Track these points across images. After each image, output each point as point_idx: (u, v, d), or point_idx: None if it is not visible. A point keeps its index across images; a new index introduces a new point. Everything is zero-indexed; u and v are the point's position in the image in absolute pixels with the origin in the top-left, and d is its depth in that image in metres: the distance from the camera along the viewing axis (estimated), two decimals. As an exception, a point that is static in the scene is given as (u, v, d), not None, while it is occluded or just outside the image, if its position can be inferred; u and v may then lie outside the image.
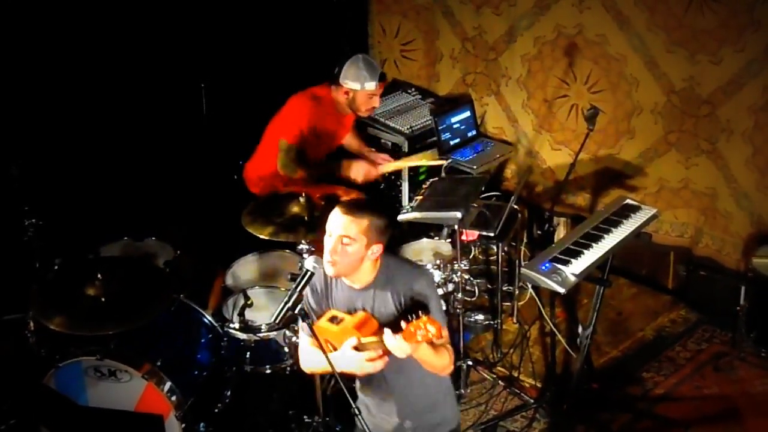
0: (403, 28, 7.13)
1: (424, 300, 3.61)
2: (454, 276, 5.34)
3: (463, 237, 5.53)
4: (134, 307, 4.65)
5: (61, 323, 4.51)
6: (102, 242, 5.47)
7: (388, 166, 5.94)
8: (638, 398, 5.44)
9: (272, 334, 4.97)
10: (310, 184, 5.54)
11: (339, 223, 3.56)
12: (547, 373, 5.65)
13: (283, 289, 5.17)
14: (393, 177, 6.35)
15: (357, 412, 3.66)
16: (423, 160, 6.09)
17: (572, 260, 4.41)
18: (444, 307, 5.42)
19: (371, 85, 5.59)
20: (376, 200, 3.81)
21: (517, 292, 6.07)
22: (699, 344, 5.88)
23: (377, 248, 3.60)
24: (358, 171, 5.68)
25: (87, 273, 4.72)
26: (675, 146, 6.03)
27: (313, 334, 3.59)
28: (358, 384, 3.93)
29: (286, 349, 5.01)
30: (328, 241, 3.59)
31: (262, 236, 4.93)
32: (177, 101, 6.28)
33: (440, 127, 6.41)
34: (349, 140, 6.07)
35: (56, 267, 4.96)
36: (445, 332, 3.61)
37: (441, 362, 3.60)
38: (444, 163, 6.02)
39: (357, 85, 5.59)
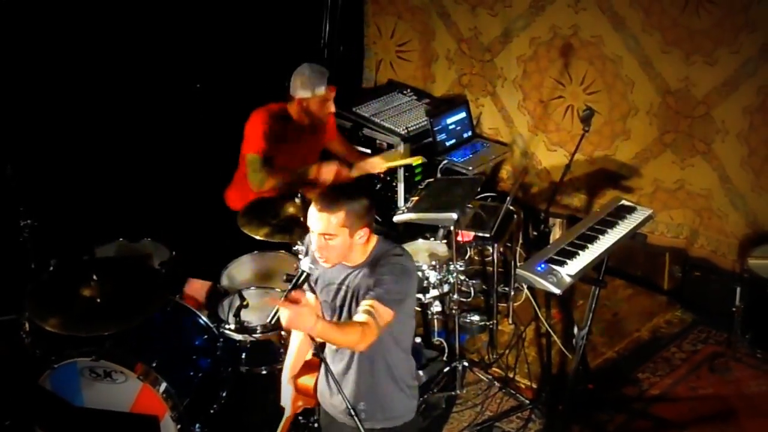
0: (398, 29, 7.13)
1: (376, 282, 3.58)
2: (449, 277, 5.34)
3: (459, 238, 5.53)
4: (130, 307, 4.64)
5: (56, 324, 4.50)
6: (97, 243, 5.47)
7: (363, 166, 5.79)
8: (634, 399, 5.44)
9: (268, 335, 4.97)
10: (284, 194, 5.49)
11: (317, 221, 3.56)
12: (542, 373, 5.65)
13: (278, 290, 5.16)
14: (388, 178, 6.36)
15: (353, 413, 3.67)
16: (397, 158, 6.02)
17: (568, 261, 4.41)
18: (439, 307, 5.51)
19: (321, 89, 5.48)
20: (351, 185, 3.76)
21: (512, 293, 6.07)
22: (694, 345, 5.89)
23: (363, 232, 3.59)
24: (328, 172, 5.57)
25: (82, 274, 4.71)
26: (670, 147, 6.04)
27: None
28: (326, 354, 3.92)
29: (282, 350, 5.01)
30: (313, 239, 3.61)
31: (257, 237, 4.93)
32: (172, 102, 6.28)
33: (436, 128, 6.42)
34: (336, 147, 5.98)
35: (51, 268, 4.95)
36: (377, 314, 3.52)
37: (344, 340, 3.53)
38: (420, 160, 5.94)
39: (308, 92, 5.49)
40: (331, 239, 3.55)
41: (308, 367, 4.03)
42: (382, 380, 3.79)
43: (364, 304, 3.55)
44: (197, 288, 5.45)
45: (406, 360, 3.85)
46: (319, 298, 3.84)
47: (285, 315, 3.38)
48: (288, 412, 4.05)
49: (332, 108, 5.64)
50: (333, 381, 3.74)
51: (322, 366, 3.91)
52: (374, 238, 3.70)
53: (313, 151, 5.76)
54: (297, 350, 4.04)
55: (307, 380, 4.00)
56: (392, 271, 3.60)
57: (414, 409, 3.94)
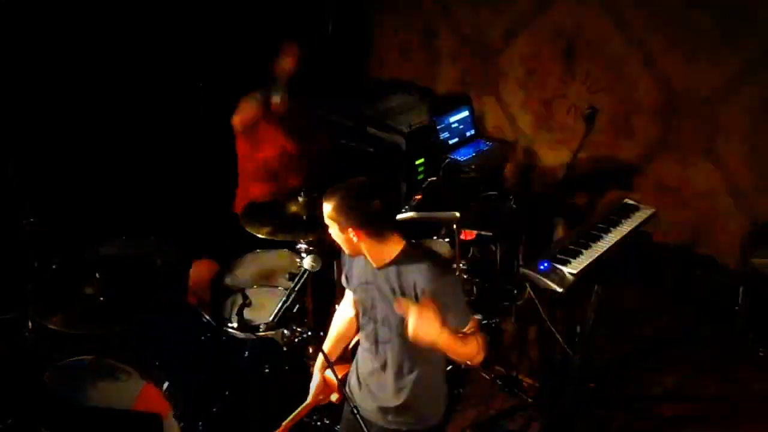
0: (402, 27, 7.12)
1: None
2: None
3: (462, 236, 5.53)
4: (132, 306, 4.64)
5: (59, 322, 4.50)
6: (100, 241, 5.46)
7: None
8: (636, 398, 5.44)
9: (271, 334, 4.97)
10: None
11: (323, 207, 3.62)
12: (545, 372, 5.65)
13: (281, 288, 5.16)
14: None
15: (356, 411, 3.67)
16: None
17: (571, 260, 4.42)
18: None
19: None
20: (370, 185, 3.68)
21: (515, 291, 6.06)
22: (697, 344, 5.88)
23: (353, 232, 3.59)
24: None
25: (85, 272, 4.71)
26: (673, 146, 6.04)
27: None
28: (359, 350, 3.94)
29: (285, 349, 5.01)
30: None
31: (260, 235, 4.93)
32: (176, 100, 6.28)
33: (439, 127, 6.42)
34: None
35: (54, 266, 4.95)
36: (474, 321, 3.61)
37: (466, 350, 3.53)
38: None
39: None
40: (329, 227, 3.62)
41: (340, 362, 4.04)
42: (417, 383, 3.79)
43: None
44: (203, 271, 5.43)
45: (442, 365, 3.85)
46: (355, 297, 3.86)
47: (414, 322, 3.34)
48: (308, 400, 4.07)
49: (288, 64, 5.66)
50: (357, 378, 3.79)
51: (354, 361, 3.93)
52: (400, 242, 3.68)
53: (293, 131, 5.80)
54: (333, 340, 4.09)
55: (332, 374, 4.01)
56: (435, 288, 3.58)
57: (442, 414, 3.95)
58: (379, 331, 3.74)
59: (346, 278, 3.93)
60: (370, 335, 3.80)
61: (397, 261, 3.63)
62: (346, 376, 4.04)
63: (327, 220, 3.62)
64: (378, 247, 3.63)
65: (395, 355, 3.73)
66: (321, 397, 4.07)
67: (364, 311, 3.80)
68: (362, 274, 3.77)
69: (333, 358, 4.05)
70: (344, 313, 4.10)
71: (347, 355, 4.11)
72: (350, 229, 3.58)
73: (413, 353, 3.68)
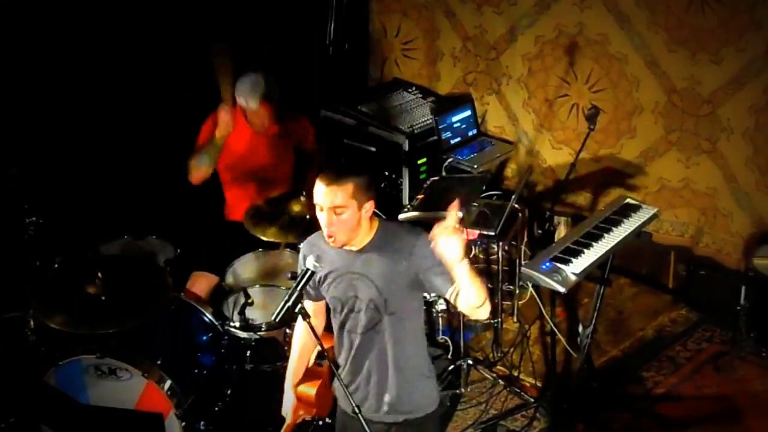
0: (403, 27, 7.12)
1: (431, 258, 3.60)
2: (454, 275, 5.33)
3: (464, 236, 5.52)
4: (134, 305, 4.65)
5: (61, 321, 4.52)
6: (102, 240, 5.47)
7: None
8: (638, 397, 5.44)
9: (272, 333, 4.97)
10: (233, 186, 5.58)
11: (326, 195, 3.57)
12: (547, 372, 5.65)
13: (283, 287, 5.17)
14: (394, 176, 6.36)
15: (358, 411, 3.66)
16: None
17: (573, 259, 4.41)
18: (444, 305, 5.50)
19: (253, 105, 5.33)
20: (352, 160, 3.77)
21: (517, 291, 6.07)
22: (699, 344, 5.88)
23: (369, 206, 3.61)
24: (223, 125, 5.30)
25: (87, 271, 4.72)
26: (675, 146, 6.04)
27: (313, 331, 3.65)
28: (341, 354, 3.92)
29: (286, 348, 5.01)
30: (321, 216, 3.60)
31: (264, 239, 4.95)
32: (178, 99, 6.27)
33: (441, 126, 6.41)
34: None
35: (56, 265, 4.96)
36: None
37: (479, 282, 3.56)
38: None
39: (242, 101, 5.35)
40: (342, 213, 3.56)
41: (310, 376, 4.01)
42: (407, 370, 3.77)
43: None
44: (202, 283, 5.44)
45: (424, 346, 3.86)
46: (327, 297, 3.84)
47: (447, 239, 3.48)
48: (288, 420, 4.03)
49: (267, 122, 5.45)
50: (343, 379, 3.77)
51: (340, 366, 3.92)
52: (376, 219, 3.71)
53: (258, 156, 5.61)
54: (299, 356, 4.02)
55: (307, 389, 3.98)
56: (425, 249, 3.60)
57: (436, 401, 3.92)
58: (364, 318, 3.71)
59: (313, 284, 3.85)
60: (355, 327, 3.77)
61: (378, 236, 3.66)
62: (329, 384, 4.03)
63: (344, 202, 3.54)
64: (369, 225, 3.66)
65: (384, 339, 3.71)
66: (301, 413, 4.04)
67: (342, 304, 3.78)
68: (336, 266, 3.73)
69: (301, 373, 4.02)
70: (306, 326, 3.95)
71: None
72: (370, 202, 3.60)
73: (401, 332, 3.68)
